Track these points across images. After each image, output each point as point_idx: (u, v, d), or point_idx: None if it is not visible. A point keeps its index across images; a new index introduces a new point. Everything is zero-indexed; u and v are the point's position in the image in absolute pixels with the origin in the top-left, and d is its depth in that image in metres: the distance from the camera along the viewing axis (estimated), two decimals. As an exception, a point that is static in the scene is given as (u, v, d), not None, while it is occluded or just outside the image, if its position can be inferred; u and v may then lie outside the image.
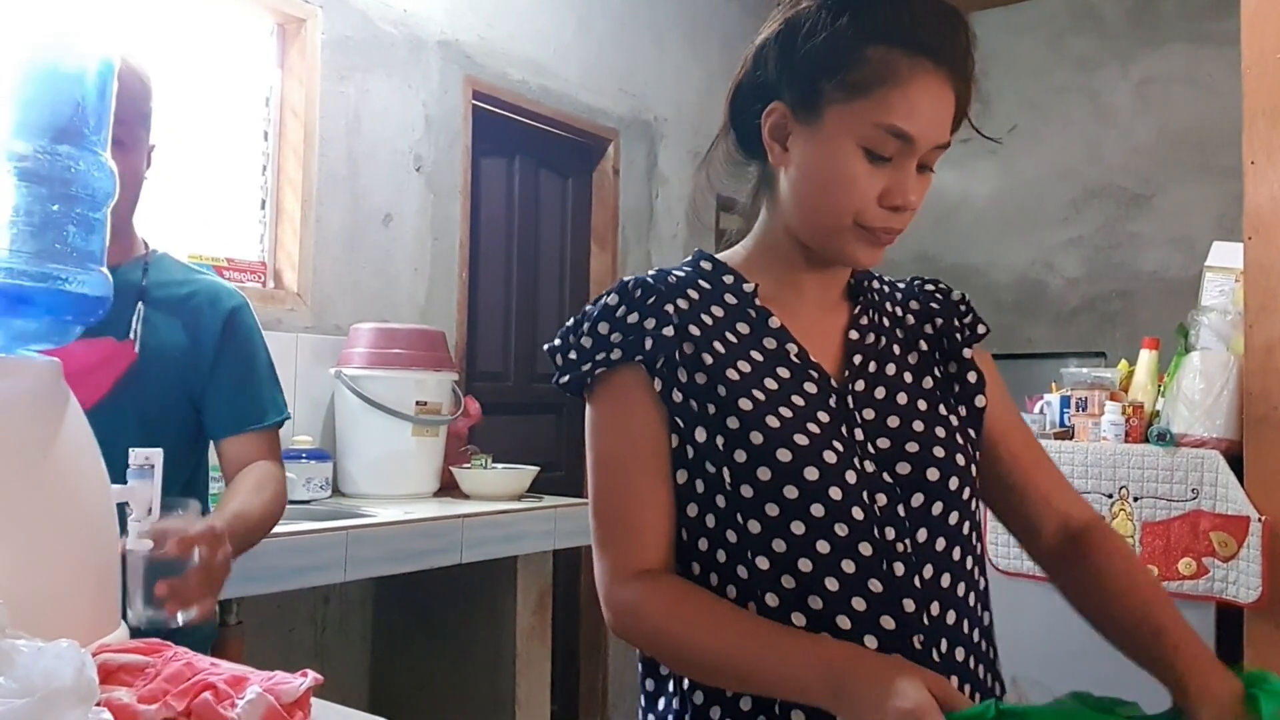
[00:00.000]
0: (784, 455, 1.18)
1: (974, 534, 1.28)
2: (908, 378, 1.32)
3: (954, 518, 1.24)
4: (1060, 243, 5.56)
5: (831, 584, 1.16)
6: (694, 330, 1.24)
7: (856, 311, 1.34)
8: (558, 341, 1.30)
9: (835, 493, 1.17)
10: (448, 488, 3.58)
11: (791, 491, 1.17)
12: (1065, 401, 3.36)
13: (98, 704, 0.82)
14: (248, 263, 3.44)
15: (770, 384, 1.23)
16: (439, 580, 3.29)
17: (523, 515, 3.34)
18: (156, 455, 1.37)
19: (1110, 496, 3.09)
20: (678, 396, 1.22)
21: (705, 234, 5.40)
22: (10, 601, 0.92)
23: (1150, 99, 5.37)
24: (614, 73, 4.81)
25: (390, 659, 3.68)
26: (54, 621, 0.93)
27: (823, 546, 1.16)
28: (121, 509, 1.30)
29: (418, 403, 3.46)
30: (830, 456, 1.19)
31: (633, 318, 1.24)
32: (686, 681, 1.24)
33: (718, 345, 1.24)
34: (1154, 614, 1.24)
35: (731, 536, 1.20)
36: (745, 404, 1.20)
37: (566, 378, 1.29)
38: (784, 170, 1.26)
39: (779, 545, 1.17)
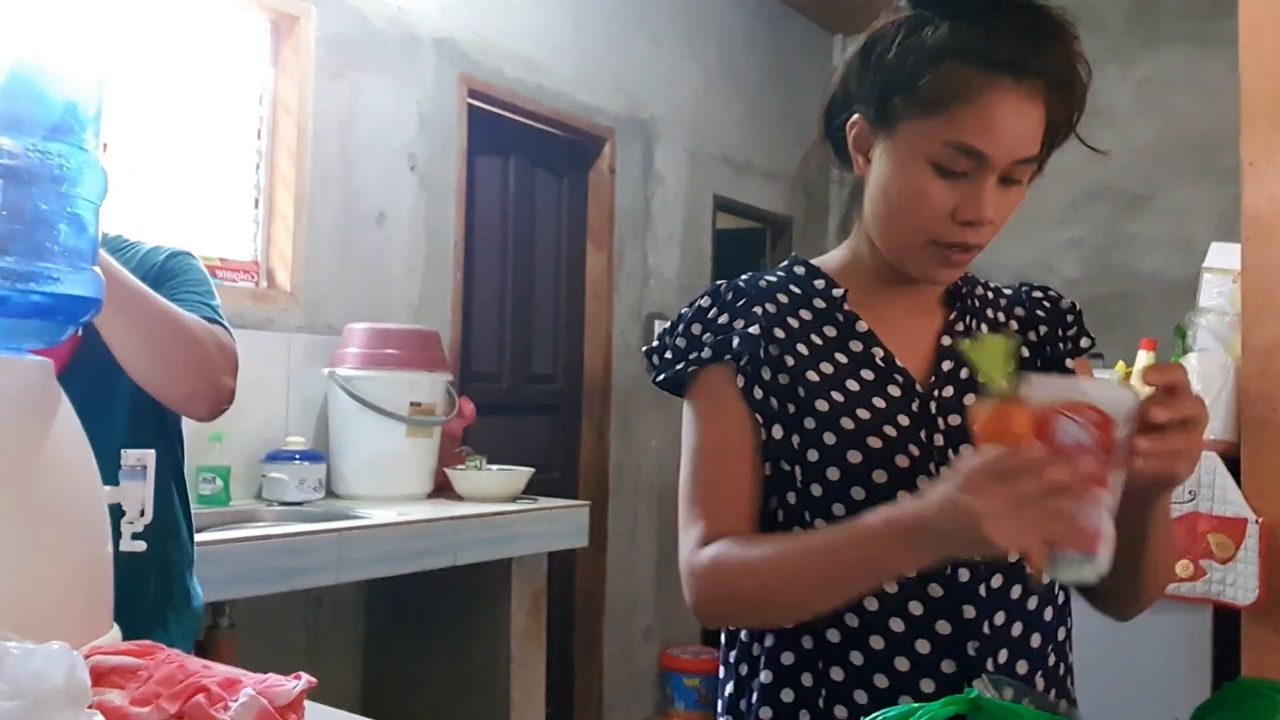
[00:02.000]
0: (854, 457, 1.20)
1: None
2: None
3: None
4: (1059, 244, 5.57)
5: (890, 586, 1.17)
6: (779, 332, 1.27)
7: (953, 317, 1.34)
8: (656, 343, 1.34)
9: (903, 497, 1.14)
10: (442, 489, 3.57)
11: (858, 493, 1.19)
12: (1063, 402, 3.35)
13: (89, 706, 0.82)
14: (240, 262, 3.43)
15: (852, 385, 1.25)
16: (433, 582, 3.28)
17: (517, 517, 3.34)
18: (149, 456, 1.36)
19: (1108, 498, 3.09)
20: (758, 394, 1.25)
21: (703, 233, 5.41)
22: (1, 603, 0.92)
23: (1149, 100, 5.37)
24: (610, 71, 4.81)
25: (384, 661, 3.67)
26: (45, 623, 0.93)
27: None
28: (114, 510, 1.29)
29: (411, 403, 3.45)
30: (903, 461, 1.20)
31: (723, 319, 1.28)
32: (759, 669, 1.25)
33: (801, 347, 1.27)
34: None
35: (798, 533, 1.22)
36: (822, 405, 1.22)
37: (663, 376, 1.31)
38: (867, 181, 1.27)
39: None
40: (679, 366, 1.28)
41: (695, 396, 1.29)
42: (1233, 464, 2.93)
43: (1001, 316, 1.38)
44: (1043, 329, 1.37)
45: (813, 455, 1.21)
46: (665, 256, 5.13)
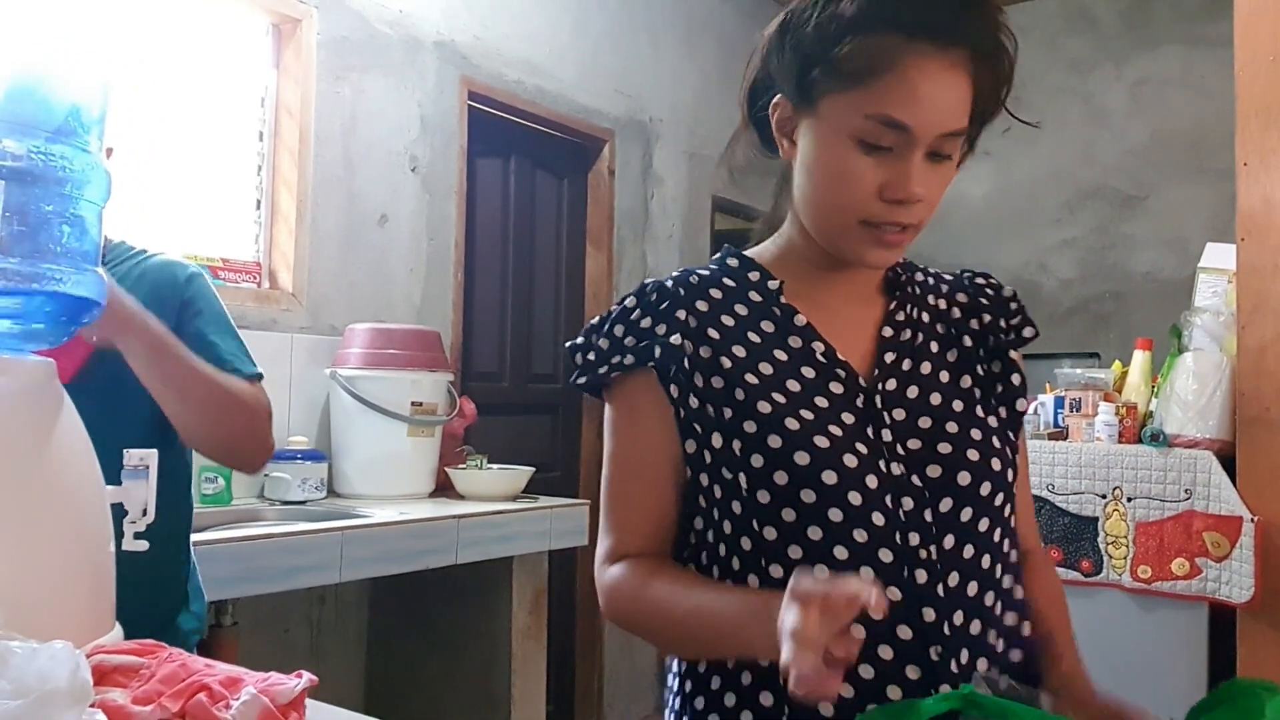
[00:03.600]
0: (802, 458, 1.14)
1: (1006, 541, 1.23)
2: (944, 376, 1.27)
3: (984, 524, 1.19)
4: (1054, 244, 5.57)
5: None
6: (713, 334, 1.22)
7: (893, 306, 1.28)
8: (580, 340, 1.30)
9: (855, 497, 1.13)
10: (443, 488, 3.57)
11: (809, 496, 1.14)
12: (1059, 402, 3.37)
13: (92, 705, 0.82)
14: (243, 263, 3.44)
15: (793, 385, 1.19)
16: (434, 581, 3.29)
17: (518, 516, 3.34)
18: (151, 456, 1.36)
19: (1104, 497, 3.10)
20: (694, 402, 1.20)
21: (703, 235, 5.41)
22: (4, 602, 0.92)
23: (1144, 101, 5.38)
24: (609, 73, 4.81)
25: (385, 660, 3.68)
26: (48, 622, 0.93)
27: (840, 553, 1.13)
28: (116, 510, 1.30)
29: (413, 403, 3.45)
30: (851, 460, 1.15)
31: (645, 322, 1.23)
32: (683, 669, 1.25)
33: (738, 349, 1.21)
34: (1054, 642, 1.26)
35: (746, 544, 1.18)
36: (764, 407, 1.17)
37: (584, 379, 1.28)
38: (794, 165, 1.22)
39: (794, 552, 1.14)
40: (600, 370, 1.25)
41: (614, 402, 1.27)
42: (1228, 463, 2.95)
43: (943, 304, 1.33)
44: (986, 317, 1.33)
45: (757, 461, 1.15)
46: (664, 257, 5.14)
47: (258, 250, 3.56)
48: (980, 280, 1.37)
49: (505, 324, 4.49)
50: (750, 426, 1.17)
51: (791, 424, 1.16)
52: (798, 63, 1.16)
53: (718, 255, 1.34)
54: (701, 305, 1.24)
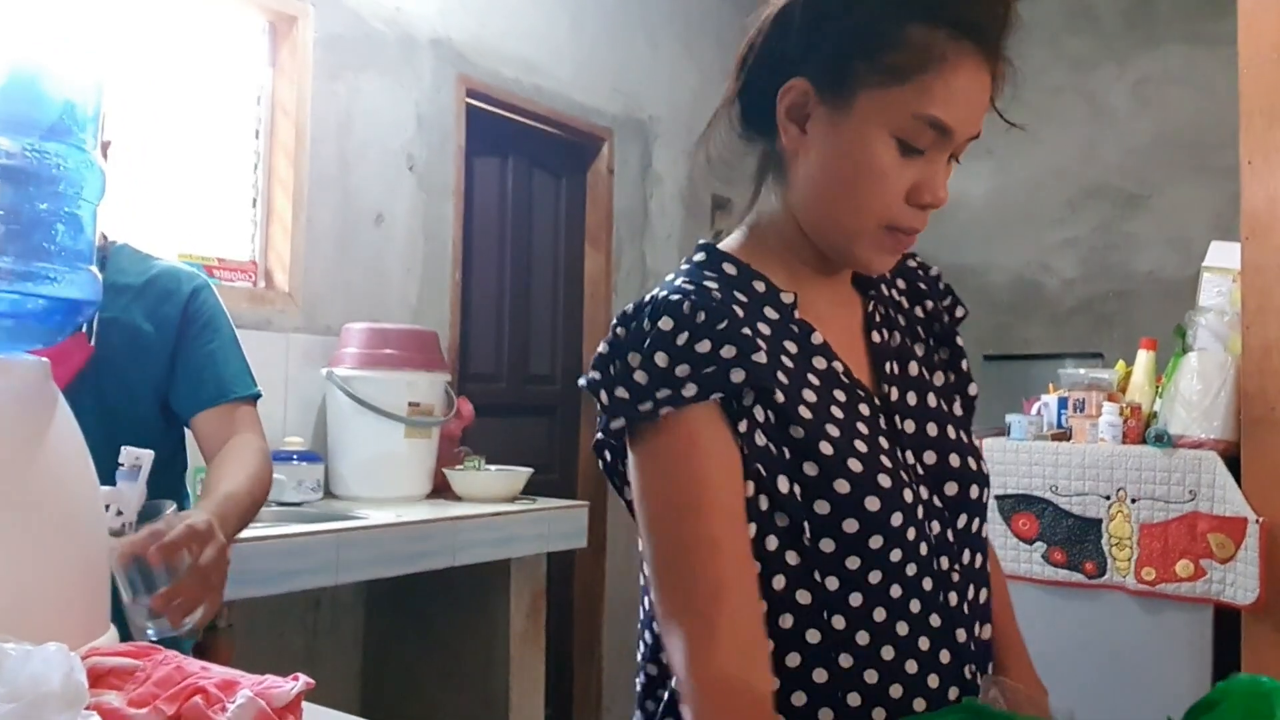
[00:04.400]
0: (873, 504, 1.04)
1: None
2: (926, 375, 1.21)
3: (984, 531, 1.17)
4: (1056, 243, 5.56)
5: (901, 628, 1.07)
6: (758, 358, 1.04)
7: (871, 308, 1.21)
8: (595, 375, 1.09)
9: (911, 534, 1.07)
10: (440, 490, 3.57)
11: (876, 541, 1.05)
12: (1063, 403, 3.36)
13: (87, 708, 0.82)
14: (238, 262, 3.42)
15: (837, 413, 1.09)
16: (431, 583, 3.28)
17: (516, 518, 3.33)
18: (146, 457, 1.35)
19: (1108, 498, 3.09)
20: (761, 439, 1.04)
21: (702, 234, 5.40)
22: (-4, 605, 0.91)
23: (1147, 99, 5.37)
24: (607, 72, 4.81)
25: (382, 662, 3.67)
26: (42, 625, 0.93)
27: (895, 591, 1.06)
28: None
29: (410, 404, 3.44)
30: (909, 495, 1.07)
31: (702, 346, 1.02)
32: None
33: (780, 375, 1.07)
34: (1001, 633, 1.24)
35: (804, 598, 1.05)
36: (825, 448, 1.05)
37: (620, 421, 1.06)
38: (800, 156, 1.11)
39: (855, 599, 1.05)
40: (642, 406, 1.03)
41: (663, 443, 1.04)
42: (1233, 463, 2.94)
43: (895, 294, 1.26)
44: (928, 303, 1.27)
45: (822, 507, 1.04)
46: (663, 257, 5.13)
47: (253, 249, 3.55)
48: (911, 263, 1.30)
49: (503, 324, 4.49)
50: (811, 469, 1.05)
51: (855, 466, 1.05)
52: (835, 49, 1.06)
53: (701, 257, 1.18)
54: (746, 327, 1.07)
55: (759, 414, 1.05)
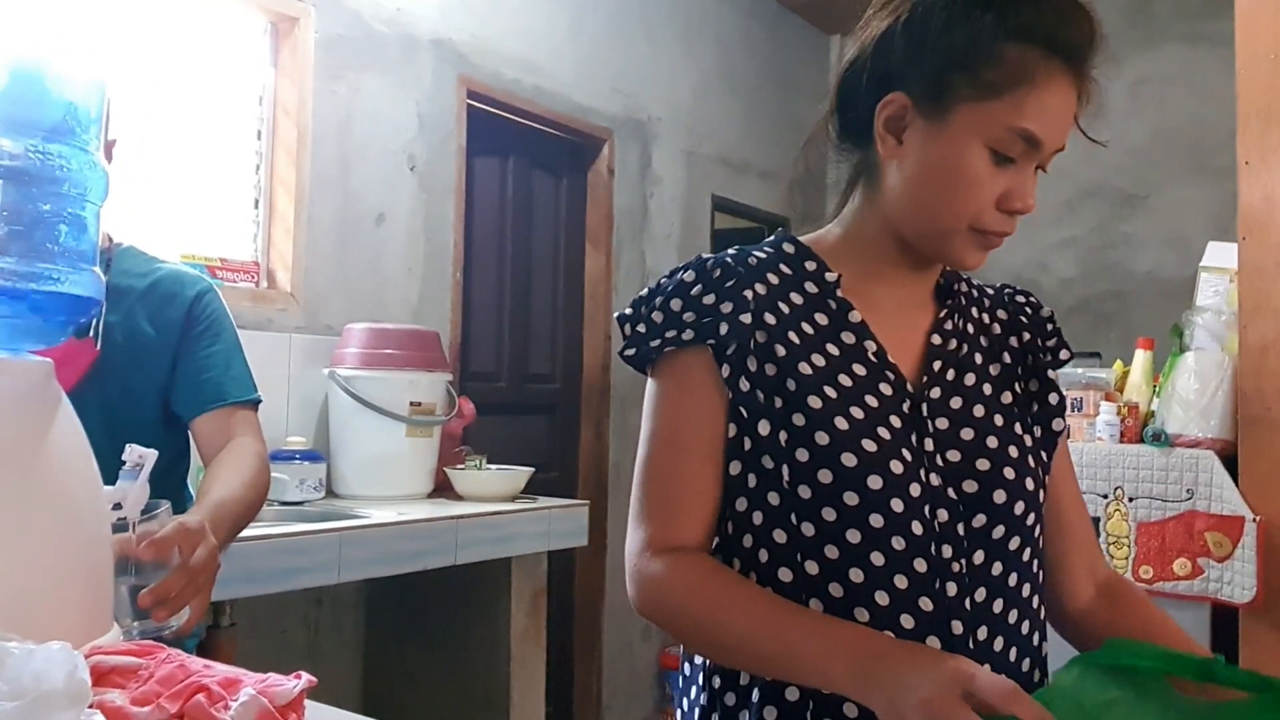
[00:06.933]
0: (849, 460, 1.14)
1: (1035, 561, 1.23)
2: (987, 389, 1.27)
3: (1015, 543, 1.19)
4: (1055, 243, 5.57)
5: (881, 598, 1.13)
6: (769, 318, 1.20)
7: (943, 315, 1.29)
8: (629, 311, 1.26)
9: (897, 504, 1.13)
10: (441, 489, 3.57)
11: (852, 498, 1.13)
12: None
13: (90, 706, 0.82)
14: (240, 262, 3.43)
15: (844, 381, 1.18)
16: (433, 582, 3.28)
17: (517, 516, 3.34)
18: (149, 456, 1.36)
19: (1105, 497, 3.09)
20: (745, 385, 1.17)
21: (701, 234, 5.41)
22: (1, 603, 0.92)
23: (1144, 99, 5.37)
24: (607, 72, 4.81)
25: (384, 661, 3.67)
26: (45, 623, 0.93)
27: (877, 559, 1.13)
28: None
29: (411, 403, 3.45)
30: (897, 466, 1.15)
31: (708, 299, 1.20)
32: (710, 665, 1.22)
33: (792, 336, 1.20)
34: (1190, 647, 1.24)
35: (780, 537, 1.16)
36: (815, 401, 1.16)
37: (633, 350, 1.24)
38: (895, 164, 1.20)
39: (831, 552, 1.14)
40: (654, 343, 1.21)
41: (664, 377, 1.23)
42: (1230, 462, 2.94)
43: (986, 317, 1.34)
44: (1025, 336, 1.35)
45: (802, 455, 1.14)
46: (663, 257, 5.13)
47: (255, 250, 3.56)
48: (1020, 298, 1.39)
49: (503, 324, 4.49)
50: (799, 419, 1.16)
51: (841, 423, 1.15)
52: (935, 66, 1.15)
53: (771, 238, 1.32)
54: (761, 287, 1.21)
55: (751, 364, 1.18)
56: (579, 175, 4.87)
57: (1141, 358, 3.30)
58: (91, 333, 1.85)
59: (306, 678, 0.97)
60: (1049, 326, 1.37)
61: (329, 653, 3.57)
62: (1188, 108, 5.21)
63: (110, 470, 1.24)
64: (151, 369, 1.94)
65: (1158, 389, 3.18)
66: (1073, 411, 3.29)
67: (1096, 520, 3.11)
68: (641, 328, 1.23)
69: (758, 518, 1.18)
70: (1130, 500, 3.05)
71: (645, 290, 1.26)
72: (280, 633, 3.40)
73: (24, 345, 1.07)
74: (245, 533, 2.66)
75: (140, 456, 1.35)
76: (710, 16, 5.40)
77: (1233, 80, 2.97)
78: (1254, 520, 2.84)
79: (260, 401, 2.05)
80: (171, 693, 0.93)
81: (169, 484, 1.91)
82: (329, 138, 3.64)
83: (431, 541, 3.03)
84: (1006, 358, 1.32)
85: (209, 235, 3.42)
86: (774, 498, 1.17)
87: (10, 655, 0.78)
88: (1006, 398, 1.28)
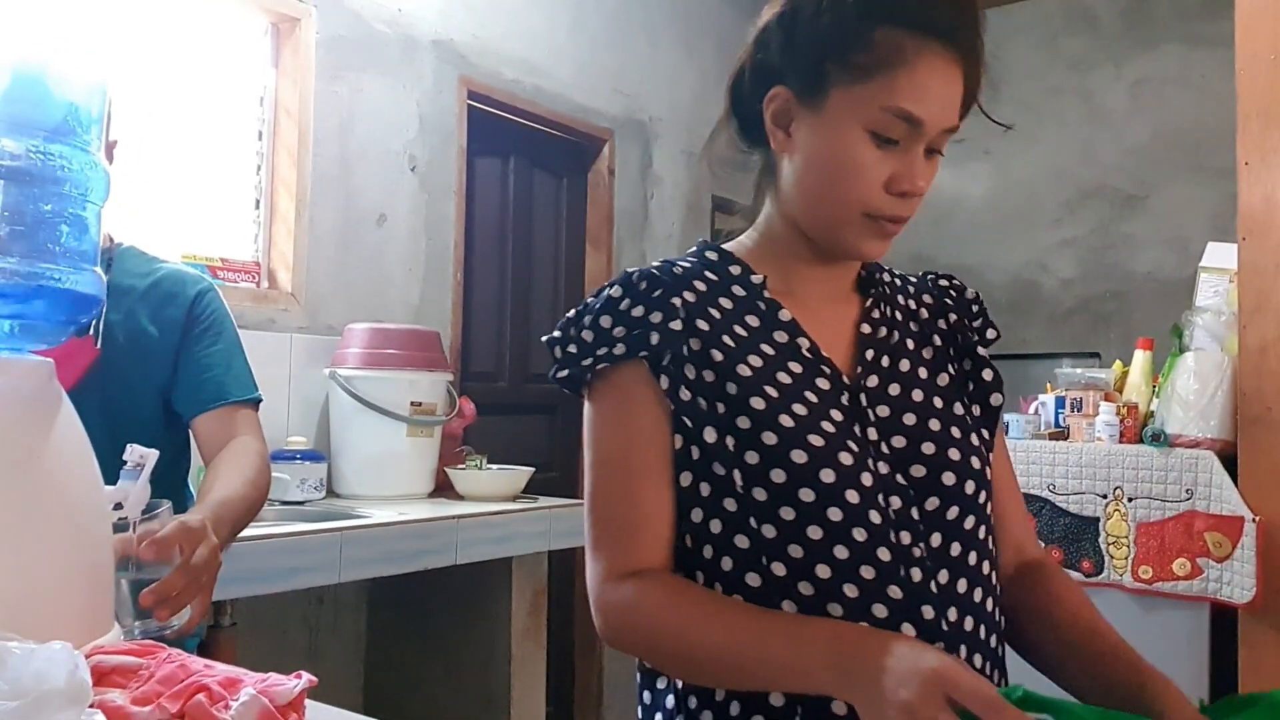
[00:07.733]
0: (799, 457, 1.13)
1: (989, 538, 1.24)
2: (923, 373, 1.28)
3: (969, 522, 1.20)
4: (1054, 243, 5.57)
5: (851, 591, 1.12)
6: (701, 324, 1.19)
7: (869, 304, 1.30)
8: (557, 334, 1.25)
9: (852, 496, 1.13)
10: (442, 488, 3.57)
11: (807, 494, 1.12)
12: (1060, 402, 3.37)
13: (90, 706, 0.82)
14: (241, 263, 3.43)
15: (783, 379, 1.18)
16: (433, 581, 3.28)
17: (517, 516, 3.34)
18: (150, 455, 1.36)
19: (1105, 497, 3.10)
20: (685, 394, 1.16)
21: (702, 234, 5.41)
22: (2, 603, 0.92)
23: (1144, 100, 5.37)
24: (608, 73, 4.81)
25: (384, 660, 3.68)
26: (46, 623, 0.93)
27: (840, 552, 1.12)
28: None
29: (412, 403, 3.45)
30: (846, 458, 1.15)
31: (637, 311, 1.19)
32: (682, 686, 1.19)
33: (727, 339, 1.19)
34: (1109, 637, 1.24)
35: (742, 542, 1.15)
36: (757, 402, 1.15)
37: (565, 373, 1.23)
38: (787, 158, 1.22)
39: (795, 550, 1.13)
40: (585, 362, 1.20)
41: (601, 398, 1.21)
42: (1229, 463, 2.94)
43: (912, 304, 1.35)
44: (952, 317, 1.35)
45: (752, 457, 1.13)
46: (663, 256, 5.09)
47: (256, 250, 3.56)
48: (944, 282, 1.40)
49: (504, 324, 4.49)
50: (744, 422, 1.15)
51: (786, 421, 1.15)
52: (808, 55, 1.16)
53: (693, 249, 1.32)
54: (690, 295, 1.21)
55: (689, 372, 1.17)
56: (579, 176, 4.87)
57: (1141, 358, 3.30)
58: (92, 332, 1.85)
59: (307, 677, 0.97)
60: (974, 308, 1.38)
61: (330, 652, 3.57)
62: (1187, 108, 5.21)
63: (111, 470, 1.24)
64: (152, 368, 1.94)
65: (1157, 389, 3.18)
66: (1072, 412, 3.30)
67: (1096, 520, 3.11)
68: (572, 348, 1.22)
69: (716, 526, 1.16)
70: (1130, 500, 3.05)
71: (572, 311, 1.25)
72: (281, 632, 3.40)
73: (25, 345, 1.07)
74: (246, 532, 2.67)
75: (141, 456, 1.35)
76: (710, 16, 5.40)
77: (1232, 81, 2.98)
78: (1253, 520, 2.84)
79: (261, 400, 2.05)
80: (172, 692, 0.93)
81: (170, 483, 1.91)
82: (330, 138, 3.64)
83: (432, 541, 3.03)
84: (937, 340, 1.33)
85: (210, 235, 3.42)
86: (730, 504, 1.15)
87: (11, 655, 0.78)
88: (943, 379, 1.29)
